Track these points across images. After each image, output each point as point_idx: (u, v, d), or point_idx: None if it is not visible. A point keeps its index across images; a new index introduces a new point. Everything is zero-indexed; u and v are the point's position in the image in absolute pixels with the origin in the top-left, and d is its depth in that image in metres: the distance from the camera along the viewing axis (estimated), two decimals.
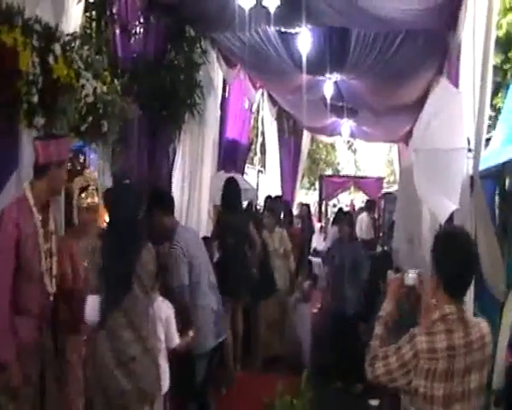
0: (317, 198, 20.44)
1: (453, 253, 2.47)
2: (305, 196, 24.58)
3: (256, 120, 13.77)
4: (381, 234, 12.09)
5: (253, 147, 15.11)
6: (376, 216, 14.37)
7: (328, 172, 24.85)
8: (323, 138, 19.31)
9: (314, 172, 23.91)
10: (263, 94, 12.86)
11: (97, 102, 4.74)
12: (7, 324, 2.86)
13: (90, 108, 4.66)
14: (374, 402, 6.02)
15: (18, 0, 3.89)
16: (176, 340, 3.92)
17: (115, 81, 5.21)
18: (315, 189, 24.01)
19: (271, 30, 7.18)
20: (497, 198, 4.51)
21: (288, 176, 15.55)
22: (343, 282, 6.83)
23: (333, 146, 25.31)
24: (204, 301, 4.44)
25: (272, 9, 5.37)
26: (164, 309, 3.89)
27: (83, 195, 3.85)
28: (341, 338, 6.95)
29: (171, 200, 4.94)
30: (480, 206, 4.03)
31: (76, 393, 3.49)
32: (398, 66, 7.80)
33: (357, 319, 6.72)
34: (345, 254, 6.93)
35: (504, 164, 4.03)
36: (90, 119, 4.67)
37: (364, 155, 28.64)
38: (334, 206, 23.91)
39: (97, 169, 5.17)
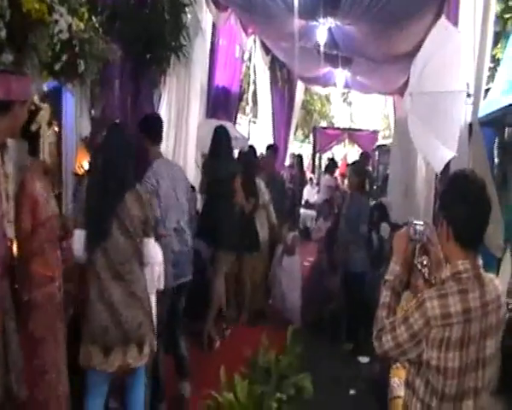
0: (311, 151, 20.21)
1: (468, 198, 2.16)
2: (299, 148, 24.28)
3: (248, 68, 13.40)
4: (374, 187, 11.88)
5: (244, 96, 14.78)
6: (370, 169, 14.16)
7: (323, 124, 24.40)
8: (318, 89, 18.95)
9: (308, 124, 23.54)
10: (255, 41, 12.48)
11: (73, 39, 4.46)
12: None
13: (65, 45, 4.36)
14: (364, 360, 5.95)
15: None
16: (162, 284, 3.87)
17: (93, 19, 4.89)
18: (309, 142, 23.70)
19: None
20: (496, 149, 4.27)
21: (281, 127, 15.24)
22: (346, 234, 6.59)
23: (327, 98, 24.90)
24: (163, 241, 4.21)
25: None
26: (154, 253, 3.78)
27: (50, 129, 3.61)
28: (335, 294, 6.84)
29: (160, 127, 4.83)
30: (478, 154, 3.79)
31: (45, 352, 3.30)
32: (395, 9, 7.42)
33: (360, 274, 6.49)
34: (350, 206, 6.67)
35: (504, 113, 3.78)
36: (65, 57, 4.38)
37: (360, 109, 28.21)
38: (328, 159, 23.73)
39: (74, 111, 4.90)
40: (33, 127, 3.41)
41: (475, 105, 3.85)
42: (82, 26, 4.58)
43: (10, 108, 2.90)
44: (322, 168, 18.91)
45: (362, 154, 12.15)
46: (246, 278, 7.01)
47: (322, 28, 9.17)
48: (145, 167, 4.55)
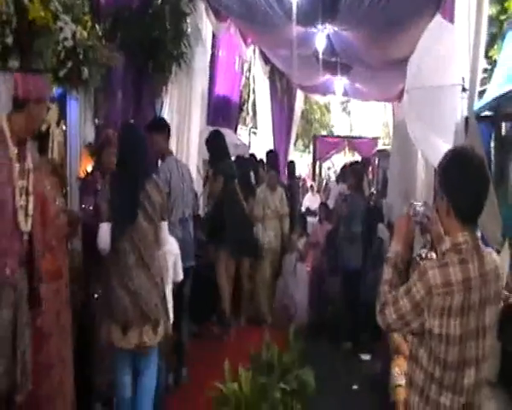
0: (311, 160, 20.29)
1: (467, 173, 2.22)
2: (300, 158, 24.36)
3: (247, 78, 13.51)
4: (374, 191, 11.94)
5: (245, 106, 14.83)
6: (370, 176, 14.22)
7: (323, 133, 24.50)
8: (317, 98, 19.08)
9: (308, 133, 23.60)
10: (254, 51, 12.62)
11: (77, 46, 4.57)
12: None
13: (69, 52, 4.47)
14: (365, 357, 6.00)
15: None
16: (181, 275, 4.30)
17: (97, 27, 5.00)
18: (309, 151, 23.75)
19: None
20: (492, 143, 4.34)
21: (281, 136, 15.34)
22: (342, 233, 6.74)
23: (327, 107, 25.03)
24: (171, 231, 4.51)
25: None
26: (172, 244, 4.17)
27: (58, 129, 3.71)
28: (335, 295, 6.92)
29: (168, 125, 5.38)
30: (475, 147, 3.86)
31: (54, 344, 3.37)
32: (393, 14, 7.52)
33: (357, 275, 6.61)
34: (347, 206, 6.80)
35: (499, 102, 3.85)
36: (70, 64, 4.50)
37: (359, 118, 28.32)
38: (329, 168, 23.81)
39: (78, 118, 4.99)
40: (43, 127, 3.49)
41: (471, 98, 3.93)
42: (85, 33, 4.70)
43: (25, 106, 2.98)
44: (323, 176, 18.99)
45: (362, 159, 12.24)
46: (244, 281, 7.08)
47: (321, 35, 9.28)
48: (152, 163, 5.01)
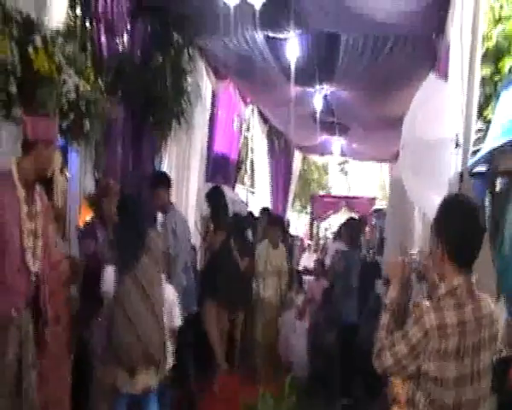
0: (308, 220, 20.36)
1: (460, 219, 2.29)
2: (298, 219, 24.42)
3: (246, 137, 13.68)
4: (370, 251, 11.95)
5: (243, 166, 14.93)
6: (368, 236, 14.22)
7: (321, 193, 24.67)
8: (315, 158, 19.29)
9: (306, 193, 23.75)
10: (253, 110, 12.83)
11: (79, 99, 4.66)
12: None
13: (72, 105, 4.56)
14: None
15: None
16: (178, 321, 4.27)
17: (99, 80, 5.11)
18: (307, 212, 23.84)
19: (259, 36, 7.10)
20: (487, 199, 4.38)
21: (279, 197, 15.41)
22: (338, 288, 6.76)
23: (325, 168, 25.28)
24: (176, 279, 4.82)
25: (258, 6, 5.26)
26: (168, 292, 4.19)
27: (62, 176, 3.76)
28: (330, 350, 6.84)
29: (169, 179, 5.59)
30: None
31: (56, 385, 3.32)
32: (389, 74, 7.74)
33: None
34: (342, 261, 6.82)
35: (494, 159, 3.91)
36: (72, 116, 4.59)
37: (356, 178, 28.62)
38: (326, 229, 23.84)
39: (79, 169, 5.04)
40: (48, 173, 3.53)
41: (465, 154, 4.00)
42: (88, 86, 4.81)
43: (34, 148, 3.05)
44: (320, 236, 18.98)
45: (359, 217, 12.27)
46: (237, 335, 7.01)
47: (319, 96, 9.48)
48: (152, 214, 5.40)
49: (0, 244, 2.87)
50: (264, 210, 9.49)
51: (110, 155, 5.69)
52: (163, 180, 5.50)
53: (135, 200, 4.33)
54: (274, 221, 8.05)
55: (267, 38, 7.25)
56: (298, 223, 22.78)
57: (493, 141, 4.04)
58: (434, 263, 2.37)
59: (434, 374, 2.20)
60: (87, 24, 5.34)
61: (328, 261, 8.91)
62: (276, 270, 7.36)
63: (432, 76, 4.92)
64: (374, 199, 19.79)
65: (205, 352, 6.09)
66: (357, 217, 12.94)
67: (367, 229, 13.77)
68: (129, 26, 5.99)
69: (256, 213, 9.87)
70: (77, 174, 5.04)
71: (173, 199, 7.11)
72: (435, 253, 2.34)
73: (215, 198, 6.55)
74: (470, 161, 4.19)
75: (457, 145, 4.12)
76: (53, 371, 3.30)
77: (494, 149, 3.80)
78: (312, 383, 6.71)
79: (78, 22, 5.21)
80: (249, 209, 11.16)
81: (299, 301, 7.72)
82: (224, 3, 5.31)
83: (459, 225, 2.29)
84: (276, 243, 7.46)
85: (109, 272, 3.83)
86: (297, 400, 4.68)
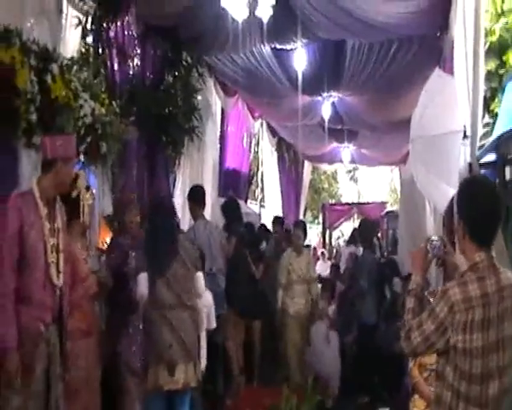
0: (321, 230, 20.38)
1: (479, 198, 2.42)
2: (309, 229, 24.39)
3: (256, 151, 13.77)
4: (385, 253, 11.99)
5: (254, 180, 14.90)
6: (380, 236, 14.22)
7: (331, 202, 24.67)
8: (325, 167, 19.35)
9: (317, 203, 23.78)
10: (262, 124, 12.96)
11: (96, 122, 4.81)
12: (10, 311, 2.90)
13: (89, 128, 4.72)
14: None
15: (15, 23, 4.00)
16: (214, 324, 4.61)
17: (113, 103, 5.26)
18: (318, 222, 23.86)
19: (266, 49, 7.25)
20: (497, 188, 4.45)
21: (290, 208, 15.45)
22: (359, 294, 6.75)
23: (334, 177, 25.33)
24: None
25: (265, 19, 5.38)
26: (207, 296, 4.52)
27: (88, 193, 3.87)
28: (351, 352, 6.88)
29: (202, 195, 6.00)
30: None
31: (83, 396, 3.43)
32: (395, 76, 7.84)
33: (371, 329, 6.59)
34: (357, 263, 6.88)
35: (503, 145, 3.98)
36: (89, 139, 4.74)
37: (367, 185, 28.59)
38: (339, 237, 23.83)
39: (98, 191, 5.18)
40: (74, 193, 3.66)
41: (473, 145, 4.08)
42: (103, 110, 4.96)
43: (54, 166, 3.15)
44: (333, 244, 19.00)
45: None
46: (256, 344, 6.94)
47: (327, 104, 9.59)
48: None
49: (28, 261, 3.00)
50: (277, 219, 9.56)
51: (126, 174, 5.83)
52: (194, 195, 5.97)
53: (166, 210, 4.45)
54: (297, 224, 7.87)
55: (274, 49, 7.38)
56: (310, 233, 22.77)
57: (501, 128, 4.12)
58: (458, 241, 2.50)
59: (462, 346, 2.31)
60: (99, 51, 5.51)
61: (342, 267, 8.93)
62: (302, 278, 6.92)
63: (438, 71, 5.01)
64: (385, 203, 19.82)
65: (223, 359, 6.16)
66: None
67: (379, 232, 13.82)
68: (139, 50, 6.14)
69: (268, 225, 9.94)
70: (96, 196, 5.16)
71: (187, 216, 7.31)
72: (457, 231, 2.47)
73: (230, 209, 6.68)
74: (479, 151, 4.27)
75: (465, 136, 4.20)
76: (83, 383, 3.40)
77: (502, 135, 3.88)
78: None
79: (91, 50, 5.40)
80: (261, 222, 11.28)
81: (331, 312, 7.23)
82: (233, 19, 5.44)
83: (477, 203, 2.41)
84: (300, 249, 7.09)
85: (143, 277, 4.08)
86: (319, 401, 4.74)
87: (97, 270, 3.99)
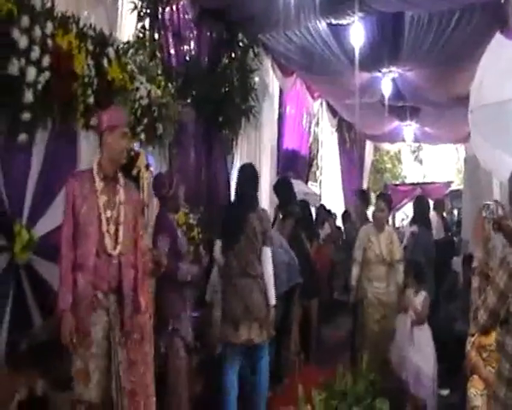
0: None
1: None
2: (369, 211, 23.97)
3: (316, 132, 13.63)
4: (449, 234, 11.68)
5: (314, 162, 14.60)
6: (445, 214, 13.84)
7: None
8: (387, 147, 18.98)
9: (379, 183, 23.33)
10: (322, 104, 12.84)
11: (152, 104, 4.92)
12: (65, 276, 3.10)
13: (145, 110, 4.84)
14: (444, 392, 5.74)
15: (72, 9, 4.12)
16: (272, 300, 4.68)
17: (169, 86, 5.35)
18: None
19: (322, 25, 7.13)
20: None
21: (351, 189, 15.24)
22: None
23: (398, 158, 24.77)
24: (276, 258, 5.04)
25: None
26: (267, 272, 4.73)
27: (147, 172, 3.97)
28: None
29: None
30: None
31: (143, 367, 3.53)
32: (457, 48, 7.54)
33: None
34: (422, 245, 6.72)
35: None
36: (146, 121, 4.86)
37: (432, 165, 27.82)
38: (403, 219, 23.37)
39: (155, 172, 5.28)
40: (134, 171, 3.76)
41: None
42: (159, 92, 5.06)
43: (102, 138, 3.27)
44: (397, 225, 18.66)
45: (436, 201, 11.94)
46: (312, 323, 6.90)
47: (386, 79, 9.37)
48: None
49: (82, 231, 3.16)
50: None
51: (183, 155, 5.92)
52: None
53: (242, 188, 4.73)
54: (380, 195, 7.05)
55: (330, 25, 7.24)
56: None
57: None
58: None
59: None
60: (155, 34, 5.61)
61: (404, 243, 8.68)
62: (381, 258, 5.84)
63: (498, 36, 4.79)
64: (450, 183, 19.23)
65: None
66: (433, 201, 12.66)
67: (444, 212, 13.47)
68: (194, 32, 6.21)
69: (328, 206, 9.92)
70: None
71: None
72: None
73: (282, 188, 6.62)
74: None
75: None
76: (140, 358, 3.49)
77: None
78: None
79: (147, 33, 5.50)
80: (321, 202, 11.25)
81: (417, 303, 5.28)
82: None
83: None
84: (382, 225, 6.03)
85: (218, 244, 4.66)
86: (374, 380, 4.68)
87: (152, 248, 4.07)
